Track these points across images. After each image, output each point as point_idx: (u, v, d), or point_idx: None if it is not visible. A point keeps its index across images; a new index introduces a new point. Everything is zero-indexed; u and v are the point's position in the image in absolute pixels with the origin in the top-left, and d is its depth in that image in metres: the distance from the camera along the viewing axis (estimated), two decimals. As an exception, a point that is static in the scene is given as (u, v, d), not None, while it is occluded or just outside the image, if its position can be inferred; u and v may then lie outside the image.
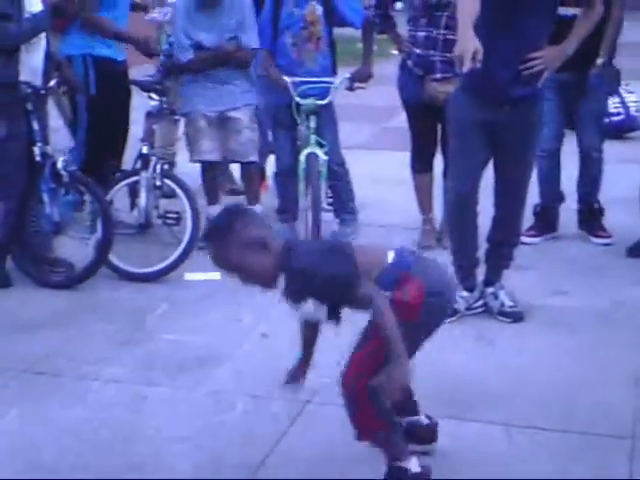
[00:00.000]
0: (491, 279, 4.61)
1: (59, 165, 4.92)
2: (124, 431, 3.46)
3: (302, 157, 5.44)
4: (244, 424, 3.53)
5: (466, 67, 3.67)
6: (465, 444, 3.39)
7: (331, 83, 5.53)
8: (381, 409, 2.96)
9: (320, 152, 5.44)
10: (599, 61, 5.34)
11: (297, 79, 5.45)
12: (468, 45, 3.67)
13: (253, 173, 5.71)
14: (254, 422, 3.55)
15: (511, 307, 4.54)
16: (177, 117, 5.96)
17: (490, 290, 4.59)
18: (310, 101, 5.43)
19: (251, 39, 5.46)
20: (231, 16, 5.41)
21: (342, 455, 3.31)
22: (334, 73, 5.64)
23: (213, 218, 3.13)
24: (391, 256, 2.96)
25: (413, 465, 3.01)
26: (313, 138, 5.46)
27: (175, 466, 3.24)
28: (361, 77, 5.65)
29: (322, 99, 5.48)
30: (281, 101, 5.56)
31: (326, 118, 5.57)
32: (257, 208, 5.60)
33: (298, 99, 5.43)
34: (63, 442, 3.41)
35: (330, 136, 5.58)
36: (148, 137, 5.47)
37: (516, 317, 4.51)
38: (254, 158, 5.61)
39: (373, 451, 3.31)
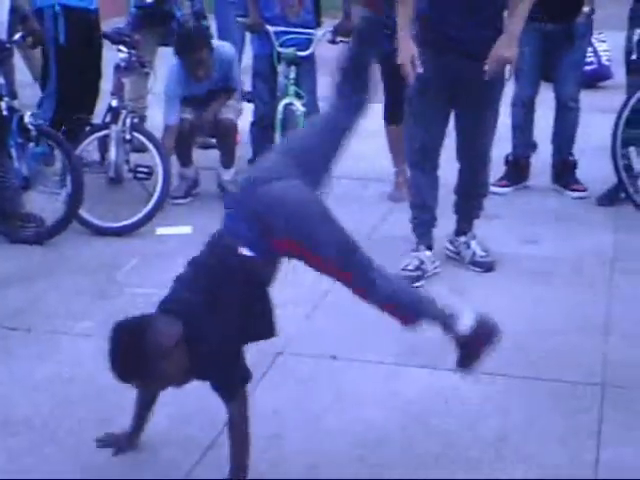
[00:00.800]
0: (462, 229, 4.63)
1: (26, 119, 4.86)
2: (97, 385, 3.44)
3: (280, 107, 5.41)
4: (216, 376, 3.53)
5: (410, 77, 4.06)
6: (436, 393, 3.42)
7: (313, 35, 5.50)
8: (401, 302, 2.95)
9: (298, 103, 5.41)
10: (585, 9, 5.31)
11: (279, 29, 5.43)
12: (405, 55, 4.03)
13: (231, 133, 5.64)
14: (226, 374, 3.55)
15: (482, 257, 4.57)
16: (147, 70, 5.90)
17: (462, 239, 4.61)
18: (291, 51, 5.41)
19: (236, 82, 5.59)
20: (220, 71, 5.44)
21: (313, 406, 3.34)
22: (317, 25, 5.61)
23: (110, 348, 2.68)
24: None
25: (465, 322, 2.96)
26: (292, 89, 5.44)
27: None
28: (343, 31, 5.60)
29: (303, 50, 5.45)
30: (262, 51, 5.56)
31: (306, 69, 5.55)
32: (229, 172, 5.58)
33: (279, 48, 5.41)
34: (35, 397, 3.41)
35: (309, 88, 5.56)
36: (118, 90, 5.42)
37: (488, 267, 4.54)
38: (235, 118, 5.58)
39: (343, 398, 3.35)
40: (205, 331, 2.68)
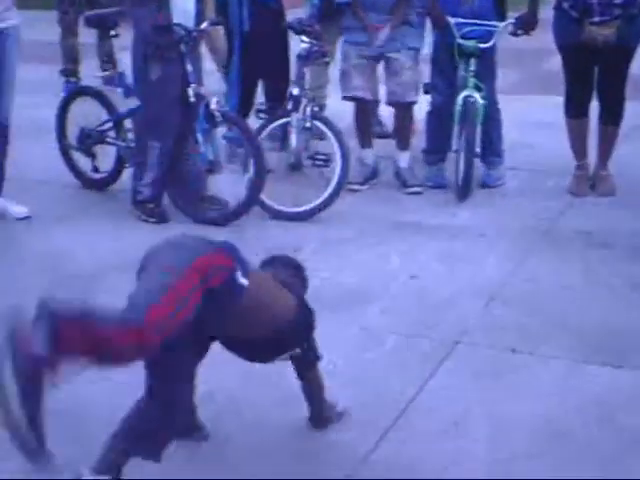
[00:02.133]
0: None
1: (213, 106, 5.02)
2: (276, 366, 3.51)
3: (459, 99, 5.37)
4: (394, 362, 3.56)
5: None
6: (620, 391, 3.33)
7: (494, 26, 5.42)
8: None
9: (478, 96, 5.35)
10: None
11: (460, 20, 5.39)
12: None
13: (408, 115, 5.66)
14: (404, 360, 3.57)
15: None
16: (327, 60, 5.98)
17: None
18: (472, 43, 5.35)
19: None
20: None
21: (490, 398, 3.31)
22: (500, 17, 5.52)
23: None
24: None
25: None
26: (472, 81, 5.37)
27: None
28: (526, 24, 5.48)
29: (484, 42, 5.39)
30: (442, 40, 5.52)
31: (486, 61, 5.46)
32: (405, 158, 5.60)
33: (460, 40, 5.37)
34: (220, 371, 3.48)
35: (489, 80, 5.49)
36: (299, 79, 5.50)
37: None
38: (414, 99, 5.57)
39: (521, 391, 3.31)
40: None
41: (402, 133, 5.66)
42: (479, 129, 5.44)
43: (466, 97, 5.35)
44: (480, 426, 3.15)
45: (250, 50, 5.72)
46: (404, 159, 5.63)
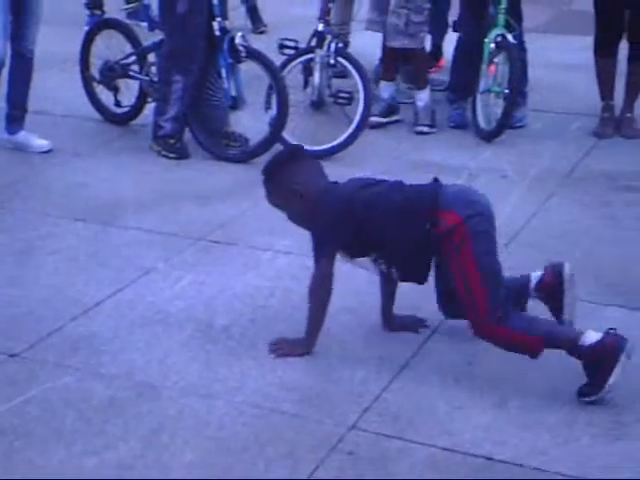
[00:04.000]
0: None
1: (237, 40, 4.98)
2: (294, 300, 3.54)
3: (490, 38, 5.27)
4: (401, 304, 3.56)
5: None
6: (634, 333, 3.32)
7: None
8: (522, 325, 3.02)
9: (509, 35, 5.24)
10: None
11: None
12: None
13: (416, 57, 5.55)
14: (416, 303, 3.56)
15: None
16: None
17: None
18: None
19: None
20: None
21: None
22: None
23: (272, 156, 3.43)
24: None
25: (589, 338, 2.99)
26: (502, 18, 5.26)
27: (339, 335, 3.32)
28: None
29: None
30: None
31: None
32: (424, 94, 5.52)
33: None
34: (235, 307, 3.55)
35: (518, 18, 5.38)
36: (324, 15, 5.43)
37: None
38: (395, 44, 5.43)
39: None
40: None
41: (415, 73, 5.61)
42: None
43: (497, 36, 5.24)
44: (491, 368, 3.16)
45: None
46: (420, 98, 5.53)
